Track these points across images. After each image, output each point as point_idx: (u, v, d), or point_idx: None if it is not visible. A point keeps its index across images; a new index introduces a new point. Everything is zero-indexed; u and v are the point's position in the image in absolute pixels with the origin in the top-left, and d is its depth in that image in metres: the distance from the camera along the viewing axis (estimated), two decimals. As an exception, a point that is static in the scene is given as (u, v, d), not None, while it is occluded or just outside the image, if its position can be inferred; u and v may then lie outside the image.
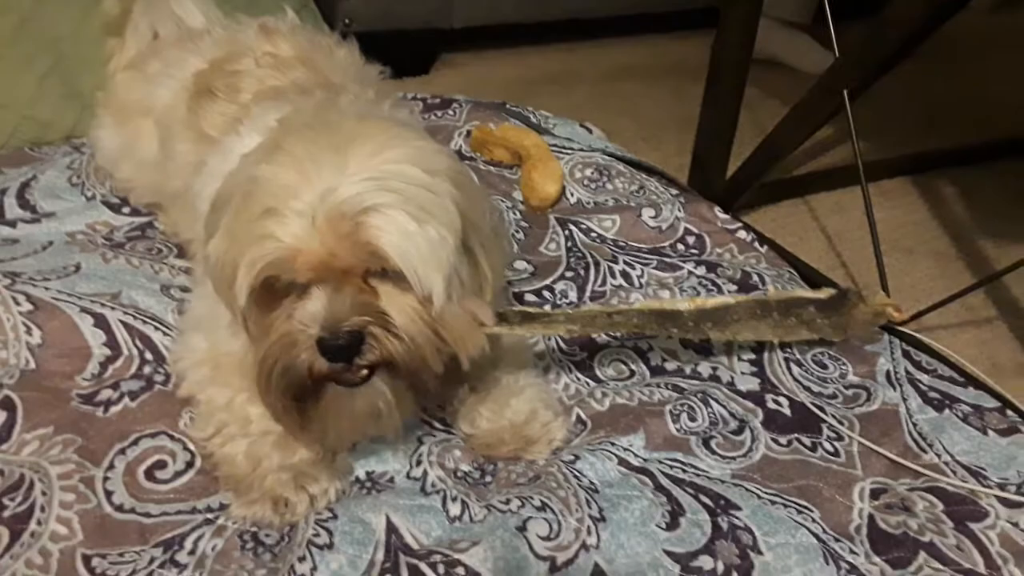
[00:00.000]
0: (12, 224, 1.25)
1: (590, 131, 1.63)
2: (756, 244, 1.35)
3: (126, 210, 1.31)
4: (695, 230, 1.35)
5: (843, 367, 1.11)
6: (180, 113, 1.15)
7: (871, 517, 0.90)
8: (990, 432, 1.00)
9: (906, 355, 1.12)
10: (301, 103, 1.01)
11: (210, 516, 0.86)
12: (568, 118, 1.66)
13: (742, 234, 1.36)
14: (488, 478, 0.93)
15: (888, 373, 1.09)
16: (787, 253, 1.37)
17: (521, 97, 1.86)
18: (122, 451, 0.92)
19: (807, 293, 1.10)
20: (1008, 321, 1.36)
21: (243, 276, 0.78)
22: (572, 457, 0.94)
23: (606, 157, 1.49)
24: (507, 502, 0.87)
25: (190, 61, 1.20)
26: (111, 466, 0.90)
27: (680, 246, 1.32)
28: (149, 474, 0.90)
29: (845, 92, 1.38)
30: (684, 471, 0.95)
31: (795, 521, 0.89)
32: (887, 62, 1.38)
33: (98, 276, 1.12)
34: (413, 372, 0.81)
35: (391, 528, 0.85)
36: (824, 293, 1.11)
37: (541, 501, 0.87)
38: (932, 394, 1.06)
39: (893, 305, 1.13)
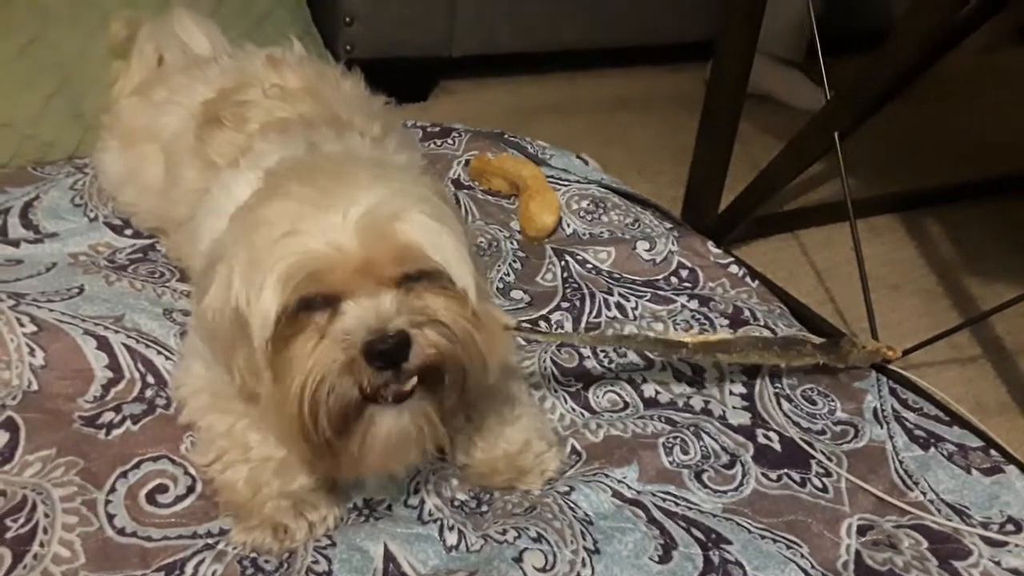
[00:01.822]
0: (16, 244, 1.26)
1: (586, 162, 1.66)
2: (747, 279, 1.38)
3: (128, 232, 1.32)
4: (688, 263, 1.38)
5: (832, 403, 1.13)
6: (187, 140, 1.17)
7: (858, 553, 0.92)
8: (974, 471, 1.03)
9: (893, 392, 1.15)
10: (300, 140, 1.03)
11: (210, 541, 0.87)
12: (564, 148, 1.69)
13: (734, 268, 1.39)
14: (484, 507, 0.95)
15: (875, 410, 1.12)
16: (778, 288, 1.40)
17: (518, 125, 1.89)
18: (124, 474, 0.93)
19: (806, 336, 1.15)
20: (992, 360, 1.39)
21: (270, 298, 0.77)
22: (567, 488, 0.96)
23: (602, 189, 1.52)
24: (503, 532, 0.89)
25: (198, 89, 1.22)
26: (113, 489, 0.91)
27: (673, 279, 1.35)
28: (150, 498, 0.91)
29: (836, 131, 1.41)
30: (676, 504, 0.97)
31: (784, 556, 0.91)
32: (879, 101, 1.42)
33: (101, 298, 1.13)
34: (455, 377, 0.81)
35: (389, 557, 0.86)
36: (818, 339, 1.15)
37: (537, 532, 0.88)
38: (918, 432, 1.08)
39: (886, 347, 1.17)
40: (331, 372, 0.77)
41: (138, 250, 1.30)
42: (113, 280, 1.18)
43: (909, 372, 1.22)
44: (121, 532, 0.87)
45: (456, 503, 0.95)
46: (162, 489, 0.92)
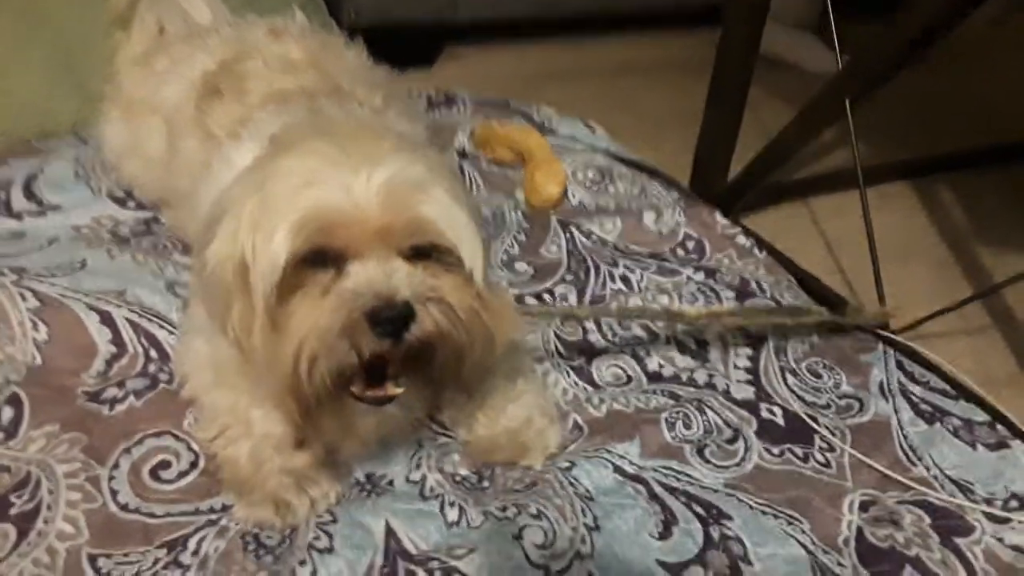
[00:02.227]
0: (19, 216, 1.26)
1: (593, 130, 1.64)
2: (755, 250, 1.36)
3: (131, 204, 1.32)
4: (695, 235, 1.36)
5: (837, 377, 1.12)
6: (188, 112, 1.16)
7: (859, 530, 0.92)
8: (979, 446, 1.02)
9: (899, 366, 1.14)
10: (302, 110, 1.02)
11: (213, 517, 0.88)
12: (571, 115, 1.67)
13: (741, 239, 1.37)
14: (486, 483, 0.95)
15: (881, 384, 1.11)
16: (785, 259, 1.39)
17: (525, 92, 1.86)
18: (127, 450, 0.93)
19: (811, 306, 1.13)
20: (1002, 331, 1.37)
21: (282, 243, 0.75)
22: (568, 464, 0.96)
23: (608, 158, 1.50)
24: (504, 509, 0.89)
25: (199, 59, 1.21)
26: (116, 465, 0.92)
27: (680, 251, 1.34)
28: (154, 474, 0.92)
29: (847, 98, 1.38)
30: (678, 479, 0.96)
31: (785, 532, 0.91)
32: (893, 67, 1.39)
33: (104, 273, 1.13)
34: (448, 358, 0.81)
35: (390, 532, 0.87)
36: (822, 309, 1.14)
37: (537, 509, 0.88)
38: (924, 406, 1.07)
39: (887, 311, 1.15)
40: (331, 331, 0.76)
41: (141, 222, 1.30)
42: (116, 254, 1.17)
43: (917, 343, 1.22)
44: (124, 508, 0.88)
45: (458, 479, 0.95)
46: (165, 465, 0.93)
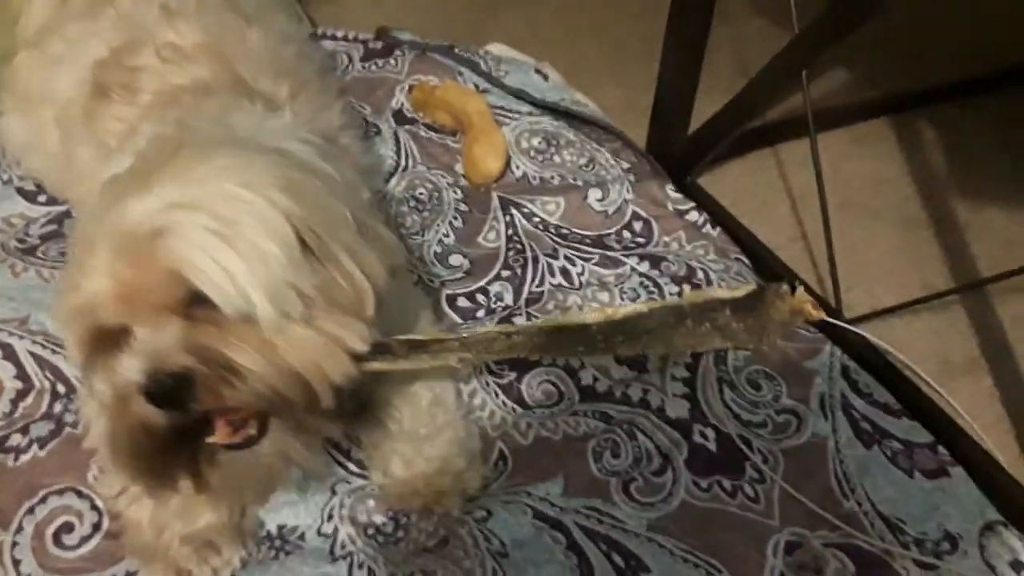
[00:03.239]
0: (-81, 222, 1.19)
1: (546, 77, 1.53)
2: (707, 227, 1.28)
3: (42, 199, 1.25)
4: (643, 214, 1.28)
5: (777, 388, 1.08)
6: (80, 110, 1.07)
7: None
8: (916, 474, 0.98)
9: (844, 373, 1.09)
10: (171, 122, 0.92)
11: (118, 588, 0.87)
12: (528, 44, 1.54)
13: (693, 216, 1.29)
14: (400, 533, 0.93)
15: (822, 397, 1.06)
16: (742, 232, 1.31)
17: (481, 17, 1.72)
18: (31, 510, 0.91)
19: (723, 294, 1.02)
20: (967, 305, 1.31)
21: (69, 341, 0.73)
22: (485, 514, 0.93)
23: (555, 123, 1.40)
24: (411, 576, 0.87)
25: (91, 46, 1.10)
26: (20, 528, 0.90)
27: (626, 234, 1.26)
28: (56, 539, 0.90)
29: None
30: (600, 522, 0.94)
31: (704, 584, 0.89)
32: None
33: (6, 296, 1.08)
34: (277, 412, 0.73)
35: (295, 602, 0.85)
36: (741, 291, 1.04)
37: (445, 576, 0.86)
38: (863, 425, 1.03)
39: (811, 303, 1.07)
40: (122, 410, 0.71)
41: (52, 219, 1.23)
42: (20, 270, 1.12)
43: (873, 322, 1.17)
44: (27, 580, 0.86)
45: (370, 531, 0.93)
46: (68, 528, 0.90)
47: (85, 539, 0.90)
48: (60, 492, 0.93)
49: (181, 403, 0.69)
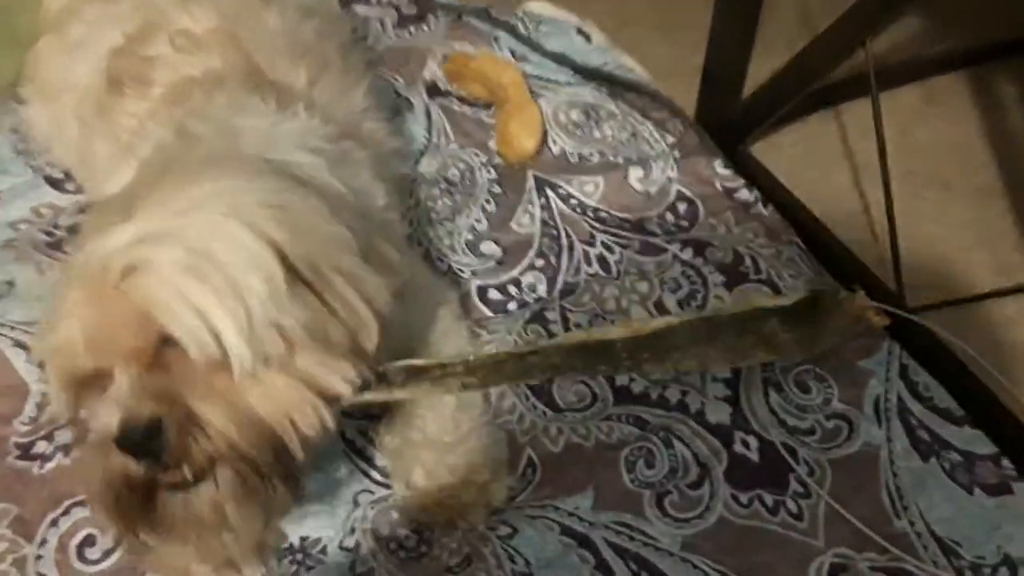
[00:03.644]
0: (-50, 213, 1.18)
1: (588, 38, 1.43)
2: (758, 206, 1.20)
3: (70, 186, 1.22)
4: (688, 194, 1.20)
5: (828, 391, 1.00)
6: (96, 102, 1.04)
7: (824, 603, 0.85)
8: (976, 490, 0.91)
9: (903, 373, 1.01)
10: (173, 128, 0.88)
11: (137, 606, 0.86)
12: (569, 6, 1.45)
13: (743, 194, 1.20)
14: (423, 548, 0.90)
15: (877, 401, 0.99)
16: (795, 208, 1.22)
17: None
18: (54, 522, 0.91)
19: (768, 302, 0.96)
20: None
21: (54, 390, 0.70)
22: (510, 531, 0.89)
23: (597, 93, 1.31)
24: (432, 600, 0.84)
25: (107, 31, 1.06)
26: (43, 541, 0.89)
27: (669, 216, 1.18)
28: (79, 552, 0.89)
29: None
30: (631, 539, 0.90)
31: (739, 611, 0.84)
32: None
33: (32, 296, 1.06)
34: (239, 466, 0.68)
35: (314, 624, 0.84)
36: (790, 298, 0.97)
37: (466, 601, 0.84)
38: (920, 433, 0.96)
39: (874, 309, 0.99)
40: (101, 459, 0.68)
41: (81, 209, 1.20)
42: (45, 267, 1.10)
43: (940, 312, 1.09)
44: (52, 596, 0.87)
45: (392, 546, 0.90)
46: (91, 541, 0.90)
47: (107, 553, 0.89)
48: (83, 503, 0.92)
49: (154, 453, 0.65)
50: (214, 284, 0.64)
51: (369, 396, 0.74)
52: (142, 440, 0.64)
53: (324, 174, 0.78)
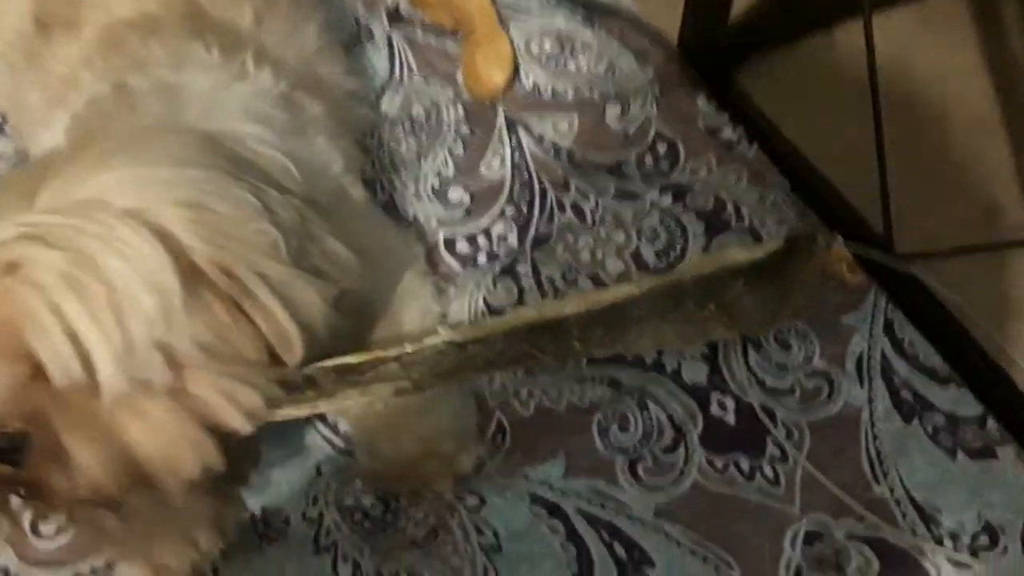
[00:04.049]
0: None
1: (563, -43, 1.33)
2: (744, 144, 1.13)
3: (8, 129, 1.14)
4: (668, 134, 1.13)
5: (810, 347, 0.96)
6: (25, 48, 0.95)
7: (798, 572, 0.83)
8: (959, 455, 0.88)
9: (888, 329, 0.97)
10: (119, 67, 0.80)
11: (95, 582, 0.84)
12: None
13: (727, 133, 1.13)
14: (389, 518, 0.88)
15: (860, 359, 0.95)
16: (780, 145, 1.16)
17: None
18: (5, 497, 0.87)
19: (740, 255, 0.88)
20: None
21: None
22: (478, 501, 0.87)
23: (571, 20, 1.22)
24: (396, 576, 0.82)
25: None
26: (-5, 516, 0.86)
27: (648, 159, 1.11)
28: (34, 527, 0.86)
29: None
30: (603, 507, 0.87)
31: (712, 582, 0.83)
32: None
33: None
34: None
35: (275, 601, 0.82)
36: (764, 249, 0.88)
37: (431, 579, 0.81)
38: (904, 394, 0.92)
39: (848, 263, 0.92)
40: None
41: (19, 157, 1.13)
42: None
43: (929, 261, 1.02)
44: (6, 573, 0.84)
45: (357, 516, 0.87)
46: (44, 515, 0.87)
47: (62, 529, 0.86)
48: (35, 476, 0.88)
49: (13, 459, 0.57)
50: (92, 298, 0.55)
51: (286, 412, 0.66)
52: (6, 448, 0.57)
53: (270, 149, 0.71)
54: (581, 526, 0.86)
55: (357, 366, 0.69)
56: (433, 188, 1.09)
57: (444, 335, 0.72)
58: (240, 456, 0.74)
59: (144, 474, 0.59)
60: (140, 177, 0.60)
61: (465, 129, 1.14)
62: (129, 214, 0.57)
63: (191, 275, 0.58)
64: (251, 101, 0.78)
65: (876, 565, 0.83)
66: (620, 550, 0.84)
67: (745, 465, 0.89)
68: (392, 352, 0.70)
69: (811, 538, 0.85)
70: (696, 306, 0.82)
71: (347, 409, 0.74)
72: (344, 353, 0.70)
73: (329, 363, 0.68)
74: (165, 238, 0.58)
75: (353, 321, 0.78)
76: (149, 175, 0.60)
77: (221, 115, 0.74)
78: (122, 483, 0.59)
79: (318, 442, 0.91)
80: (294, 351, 0.63)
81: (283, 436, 0.90)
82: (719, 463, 0.89)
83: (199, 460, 0.60)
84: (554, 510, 0.87)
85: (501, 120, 1.14)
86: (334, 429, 0.92)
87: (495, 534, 0.85)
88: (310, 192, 0.71)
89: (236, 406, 0.60)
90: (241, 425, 0.60)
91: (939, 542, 0.83)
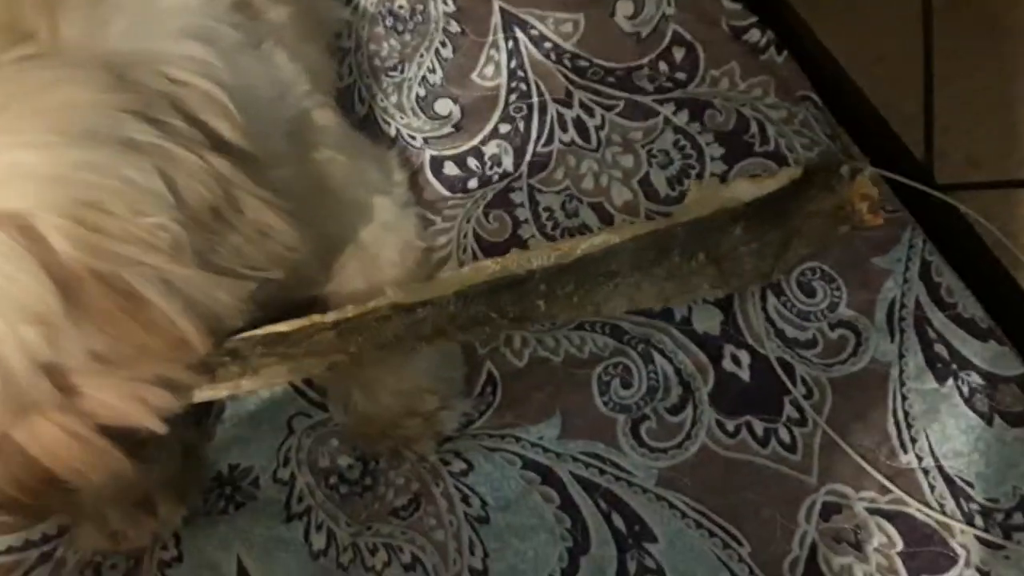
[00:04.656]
0: None
1: None
2: (772, 51, 0.99)
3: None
4: (687, 37, 0.99)
5: (836, 294, 0.86)
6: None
7: (812, 549, 0.76)
8: (996, 420, 0.80)
9: (924, 273, 0.86)
10: None
11: (46, 549, 0.77)
12: None
13: (754, 35, 0.99)
14: (368, 481, 0.80)
15: (892, 306, 0.85)
16: (816, 56, 1.02)
17: None
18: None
19: (747, 189, 0.78)
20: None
21: None
22: (465, 466, 0.79)
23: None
24: (373, 551, 0.75)
25: None
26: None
27: (663, 66, 0.98)
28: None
29: None
30: (602, 472, 0.79)
31: (718, 558, 0.76)
32: None
33: None
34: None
35: (242, 573, 0.75)
36: (776, 180, 0.78)
37: (412, 554, 0.74)
38: (939, 348, 0.83)
39: (871, 200, 0.82)
40: None
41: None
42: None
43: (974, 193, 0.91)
44: (-53, 542, 0.77)
45: (333, 479, 0.80)
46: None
47: (5, 493, 0.78)
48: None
49: None
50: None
51: (202, 395, 0.58)
52: None
53: (205, 80, 0.58)
54: (576, 493, 0.78)
55: (288, 335, 0.59)
56: (418, 98, 0.97)
57: (391, 296, 0.61)
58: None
59: (55, 480, 0.53)
60: (12, 167, 0.47)
61: (455, 27, 1.00)
62: (17, 215, 0.46)
63: (75, 283, 0.48)
64: (194, 12, 0.65)
65: (900, 544, 0.76)
66: (619, 521, 0.77)
67: (759, 428, 0.81)
68: (330, 318, 0.60)
69: (828, 511, 0.78)
70: (682, 257, 0.71)
71: (273, 388, 0.64)
72: (294, 308, 0.61)
73: (258, 332, 0.58)
74: (40, 250, 0.47)
75: (319, 264, 0.69)
76: (23, 164, 0.48)
77: (152, 32, 0.61)
78: (33, 492, 0.53)
79: (288, 394, 0.83)
80: (195, 349, 0.54)
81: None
82: (730, 426, 0.81)
83: (105, 468, 0.54)
84: (547, 476, 0.79)
85: (497, 17, 1.00)
86: (307, 381, 0.83)
87: (483, 503, 0.77)
88: (256, 130, 0.59)
89: (144, 406, 0.53)
90: (154, 424, 0.54)
91: (969, 521, 0.76)
